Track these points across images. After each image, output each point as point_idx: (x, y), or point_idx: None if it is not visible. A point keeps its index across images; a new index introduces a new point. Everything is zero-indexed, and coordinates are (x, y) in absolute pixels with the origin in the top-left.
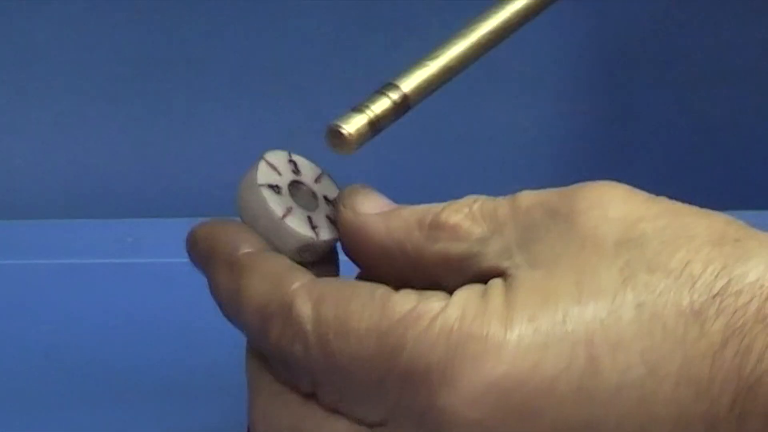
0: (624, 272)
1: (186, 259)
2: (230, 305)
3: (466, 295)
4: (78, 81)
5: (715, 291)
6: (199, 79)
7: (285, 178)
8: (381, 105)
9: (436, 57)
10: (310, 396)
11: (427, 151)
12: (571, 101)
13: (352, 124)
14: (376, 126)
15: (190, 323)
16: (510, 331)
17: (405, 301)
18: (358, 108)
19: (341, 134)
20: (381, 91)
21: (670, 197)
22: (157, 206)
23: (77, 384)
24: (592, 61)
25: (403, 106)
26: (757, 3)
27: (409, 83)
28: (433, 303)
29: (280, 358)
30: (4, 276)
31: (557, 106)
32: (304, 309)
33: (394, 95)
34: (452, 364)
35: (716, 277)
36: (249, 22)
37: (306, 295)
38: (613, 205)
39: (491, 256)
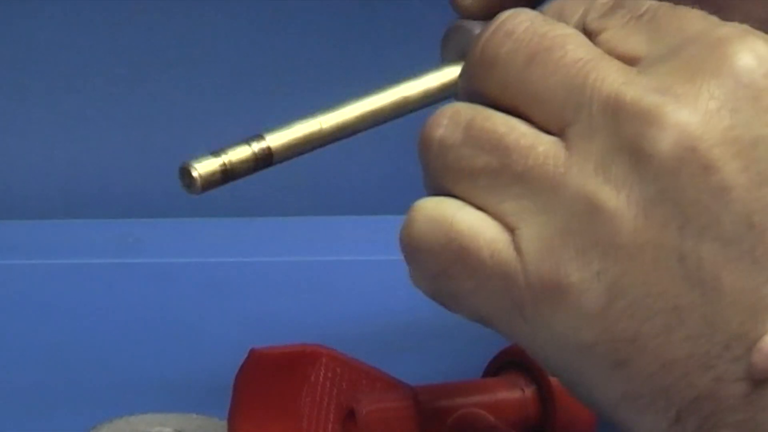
0: None
1: (186, 259)
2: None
3: None
4: (78, 81)
5: None
6: (198, 78)
7: None
8: (239, 153)
9: (316, 118)
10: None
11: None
12: None
13: (204, 166)
14: (228, 173)
15: (190, 323)
16: None
17: None
18: (217, 152)
19: (191, 174)
20: (246, 139)
21: None
22: (157, 206)
23: (77, 384)
24: None
25: (264, 159)
26: None
27: (277, 137)
28: None
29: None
30: (4, 276)
31: None
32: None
33: (257, 146)
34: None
35: None
36: (249, 22)
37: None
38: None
39: None
